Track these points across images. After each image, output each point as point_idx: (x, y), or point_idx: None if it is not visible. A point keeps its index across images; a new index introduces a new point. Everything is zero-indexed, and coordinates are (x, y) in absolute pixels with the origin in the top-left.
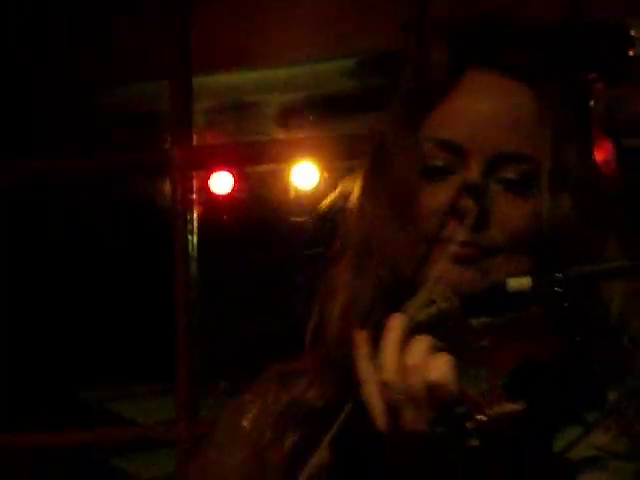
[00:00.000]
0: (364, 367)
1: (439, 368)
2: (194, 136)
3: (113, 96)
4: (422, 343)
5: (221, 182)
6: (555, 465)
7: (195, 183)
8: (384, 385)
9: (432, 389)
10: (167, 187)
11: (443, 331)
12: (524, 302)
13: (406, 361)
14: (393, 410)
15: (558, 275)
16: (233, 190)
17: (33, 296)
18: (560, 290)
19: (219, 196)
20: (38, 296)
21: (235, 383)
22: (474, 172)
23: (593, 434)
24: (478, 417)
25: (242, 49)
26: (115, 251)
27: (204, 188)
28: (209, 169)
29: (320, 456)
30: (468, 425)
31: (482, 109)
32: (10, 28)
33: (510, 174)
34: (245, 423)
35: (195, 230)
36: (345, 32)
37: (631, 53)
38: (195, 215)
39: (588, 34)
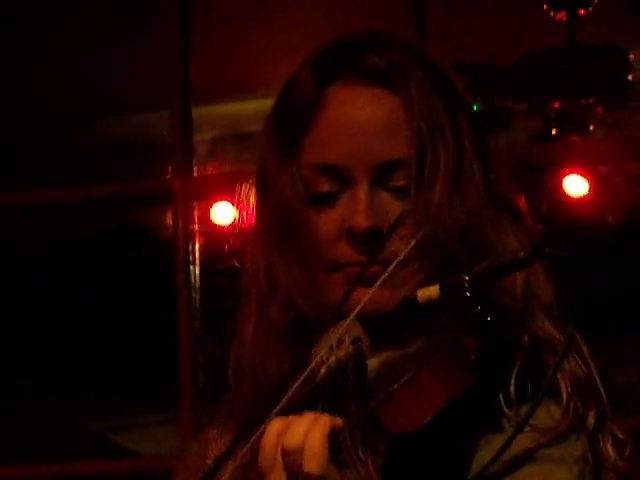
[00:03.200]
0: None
1: (315, 456)
2: (195, 166)
3: (113, 127)
4: (301, 424)
5: (223, 212)
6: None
7: (196, 213)
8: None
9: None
10: (169, 217)
11: (341, 383)
12: (437, 310)
13: (284, 444)
14: None
15: (464, 277)
16: (235, 220)
17: (39, 326)
18: (469, 294)
19: (221, 226)
20: (43, 326)
21: None
22: (361, 189)
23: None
24: None
25: (242, 79)
26: (118, 284)
27: (205, 218)
28: (210, 199)
29: None
30: None
31: (353, 124)
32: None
33: (396, 181)
34: (209, 462)
35: (197, 260)
36: None
37: (630, 77)
38: (197, 246)
39: (588, 58)
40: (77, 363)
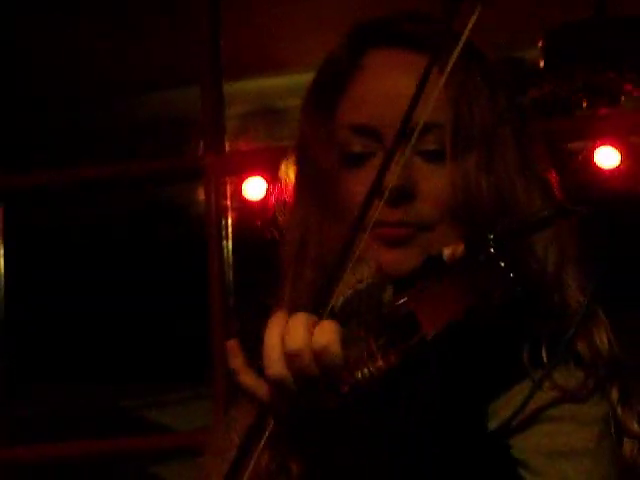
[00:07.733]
0: (246, 381)
1: (324, 333)
2: (227, 142)
3: (143, 104)
4: (300, 321)
5: (254, 187)
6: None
7: (228, 189)
8: (272, 379)
9: (318, 355)
10: (200, 193)
11: (355, 314)
12: (461, 269)
13: (288, 346)
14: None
15: (489, 235)
16: (267, 195)
17: (66, 305)
18: (493, 251)
19: (253, 202)
20: (72, 304)
21: None
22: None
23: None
24: (355, 377)
25: (273, 54)
26: (149, 258)
27: (237, 194)
28: (242, 175)
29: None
30: (343, 388)
31: (389, 87)
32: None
33: (427, 145)
34: (234, 436)
35: (230, 236)
36: None
37: None
38: (229, 221)
39: (618, 31)
40: (111, 342)
